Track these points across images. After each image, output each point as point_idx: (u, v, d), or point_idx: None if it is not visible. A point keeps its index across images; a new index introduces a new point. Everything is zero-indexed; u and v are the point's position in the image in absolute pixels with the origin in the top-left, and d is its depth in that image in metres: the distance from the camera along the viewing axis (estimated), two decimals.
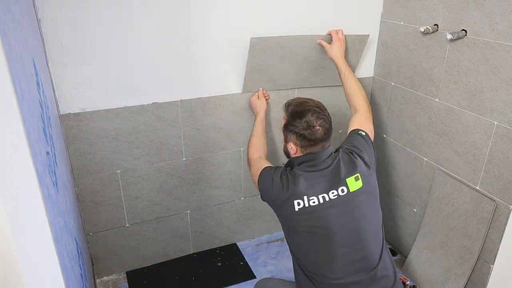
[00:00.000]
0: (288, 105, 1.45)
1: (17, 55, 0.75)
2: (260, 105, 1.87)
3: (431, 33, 1.74)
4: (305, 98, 1.46)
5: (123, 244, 1.96)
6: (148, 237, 2.01)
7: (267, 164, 1.56)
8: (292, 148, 1.44)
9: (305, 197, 1.35)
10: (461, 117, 1.70)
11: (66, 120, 1.63)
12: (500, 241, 1.60)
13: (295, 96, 2.00)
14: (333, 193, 1.36)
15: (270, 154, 2.06)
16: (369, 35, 1.94)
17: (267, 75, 1.87)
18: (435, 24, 1.73)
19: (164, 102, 1.76)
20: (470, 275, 1.73)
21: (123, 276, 2.01)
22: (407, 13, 1.86)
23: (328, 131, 1.39)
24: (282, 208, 1.41)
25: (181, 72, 1.74)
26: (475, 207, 1.69)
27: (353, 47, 1.94)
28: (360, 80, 2.12)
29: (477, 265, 1.71)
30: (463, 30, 1.61)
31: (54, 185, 0.95)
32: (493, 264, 1.65)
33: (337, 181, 1.37)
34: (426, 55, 1.81)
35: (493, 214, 1.62)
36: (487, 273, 1.68)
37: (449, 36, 1.60)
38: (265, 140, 1.79)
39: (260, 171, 1.51)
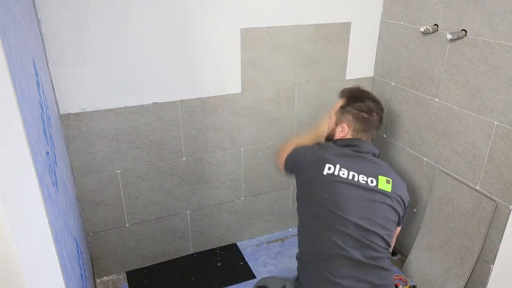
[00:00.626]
0: (347, 90, 1.54)
1: (17, 55, 0.75)
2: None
3: (431, 33, 1.74)
4: (363, 88, 1.56)
5: (123, 244, 1.96)
6: (148, 237, 2.01)
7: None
8: (344, 129, 1.48)
9: (338, 165, 1.36)
10: (461, 117, 1.70)
11: (66, 120, 1.63)
12: (500, 241, 1.60)
13: (296, 95, 2.01)
14: (363, 177, 1.37)
15: (271, 153, 2.07)
16: (350, 22, 1.98)
17: (263, 71, 1.88)
18: (435, 24, 1.73)
19: (164, 102, 1.76)
20: (470, 275, 1.73)
21: (123, 276, 2.01)
22: (407, 13, 1.87)
23: (381, 121, 1.48)
24: (310, 168, 1.40)
25: (181, 72, 1.74)
26: (475, 207, 1.69)
27: (338, 35, 1.98)
28: (360, 80, 2.13)
29: (477, 265, 1.71)
30: (463, 30, 1.61)
31: (54, 185, 0.95)
32: (493, 264, 1.65)
33: (370, 171, 1.39)
34: (426, 55, 1.81)
35: (493, 214, 1.62)
36: (487, 273, 1.68)
37: (449, 36, 1.60)
38: None
39: (295, 147, 1.53)
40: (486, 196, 1.64)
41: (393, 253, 2.19)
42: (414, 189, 2.02)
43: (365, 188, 1.36)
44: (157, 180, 1.90)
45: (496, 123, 1.56)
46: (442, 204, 1.84)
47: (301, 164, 1.44)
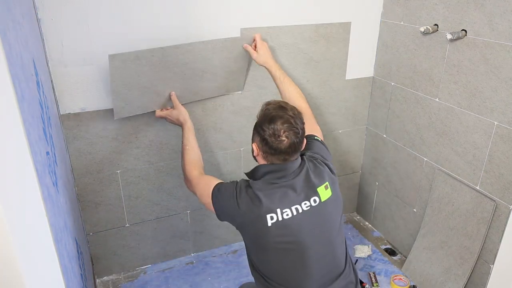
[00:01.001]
0: (266, 104, 1.34)
1: (17, 55, 0.75)
2: (180, 113, 1.63)
3: (431, 33, 1.74)
4: (286, 104, 1.34)
5: (123, 244, 1.96)
6: (148, 237, 2.00)
7: (216, 180, 1.40)
8: (255, 150, 1.34)
9: (279, 210, 1.26)
10: (461, 117, 1.70)
11: (66, 120, 1.63)
12: (500, 241, 1.60)
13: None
14: (305, 204, 1.30)
15: None
16: (350, 22, 1.98)
17: (263, 70, 1.87)
18: (435, 24, 1.73)
19: None
20: (470, 275, 1.73)
21: (123, 276, 2.01)
22: (407, 13, 1.87)
23: (295, 145, 1.28)
24: (252, 225, 1.30)
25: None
26: (475, 207, 1.69)
27: (338, 35, 1.98)
28: (360, 80, 2.13)
29: (477, 265, 1.71)
30: (463, 30, 1.61)
31: (54, 185, 0.95)
32: (493, 264, 1.65)
33: (309, 191, 1.31)
34: (426, 55, 1.81)
35: (493, 214, 1.62)
36: (487, 273, 1.68)
37: (449, 36, 1.60)
38: (199, 152, 1.58)
39: (212, 188, 1.36)
40: (486, 196, 1.64)
41: (393, 253, 2.19)
42: (414, 189, 2.02)
43: (312, 212, 1.30)
44: (157, 180, 1.90)
45: (496, 123, 1.56)
46: (442, 204, 1.84)
47: (240, 224, 1.33)
